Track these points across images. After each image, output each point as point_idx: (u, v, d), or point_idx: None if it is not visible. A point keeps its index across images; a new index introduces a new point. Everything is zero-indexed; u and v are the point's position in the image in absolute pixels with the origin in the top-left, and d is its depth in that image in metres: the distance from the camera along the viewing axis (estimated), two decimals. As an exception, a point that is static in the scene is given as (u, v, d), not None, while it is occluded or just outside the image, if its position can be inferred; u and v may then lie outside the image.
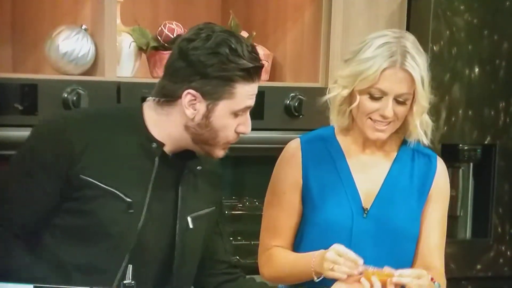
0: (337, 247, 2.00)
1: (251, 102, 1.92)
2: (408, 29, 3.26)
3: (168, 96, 1.91)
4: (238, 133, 1.94)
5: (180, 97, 1.89)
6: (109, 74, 2.82)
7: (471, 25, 3.23)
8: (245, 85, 1.90)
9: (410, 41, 2.09)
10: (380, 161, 2.18)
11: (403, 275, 1.98)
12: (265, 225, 2.20)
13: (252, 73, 1.90)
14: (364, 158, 2.17)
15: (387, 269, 2.00)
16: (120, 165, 1.90)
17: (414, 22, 3.25)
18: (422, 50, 2.11)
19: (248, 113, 1.93)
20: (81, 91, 2.72)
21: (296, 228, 2.18)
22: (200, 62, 1.86)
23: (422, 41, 3.19)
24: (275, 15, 3.30)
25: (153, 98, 1.94)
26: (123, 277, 1.78)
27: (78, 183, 1.87)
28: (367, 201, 2.15)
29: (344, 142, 2.17)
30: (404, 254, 2.17)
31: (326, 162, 2.15)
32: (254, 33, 3.07)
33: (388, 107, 2.06)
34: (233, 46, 1.87)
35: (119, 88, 2.80)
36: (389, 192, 2.16)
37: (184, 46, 1.89)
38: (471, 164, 3.35)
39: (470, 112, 3.25)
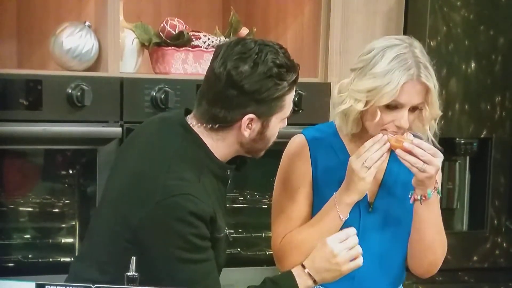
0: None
1: (292, 104, 2.00)
2: (405, 24, 3.28)
3: (224, 122, 1.93)
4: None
5: (235, 122, 1.93)
6: (112, 70, 2.84)
7: (468, 20, 3.24)
8: (291, 93, 1.96)
9: (419, 49, 2.08)
10: None
11: (421, 146, 2.01)
12: (277, 218, 2.19)
13: (296, 80, 1.95)
14: None
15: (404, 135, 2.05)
16: (219, 206, 1.96)
17: (411, 17, 3.26)
18: (426, 55, 2.10)
19: None
20: (85, 87, 2.74)
21: (310, 216, 2.17)
22: (255, 90, 1.89)
23: (420, 37, 3.25)
24: (275, 11, 3.32)
25: (202, 123, 1.95)
26: None
27: (212, 242, 1.94)
28: (370, 195, 2.16)
29: (346, 138, 2.18)
30: (405, 244, 2.19)
31: (331, 157, 2.16)
32: (255, 29, 3.09)
33: (404, 118, 2.05)
34: (278, 62, 1.90)
35: (122, 83, 2.82)
36: (390, 185, 2.18)
37: (235, 76, 1.89)
38: (468, 157, 3.36)
39: (466, 106, 3.27)
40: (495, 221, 3.36)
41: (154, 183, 1.90)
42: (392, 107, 2.06)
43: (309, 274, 2.00)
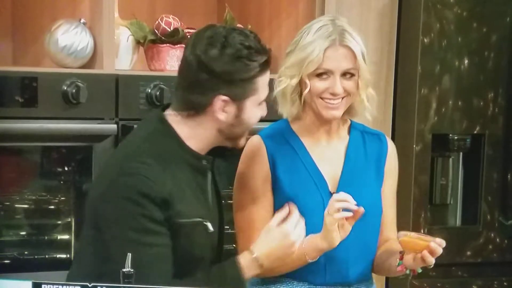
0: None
1: (267, 89, 2.02)
2: (399, 21, 3.30)
3: (198, 107, 1.96)
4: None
5: (209, 105, 1.95)
6: (107, 67, 2.85)
7: (461, 17, 3.26)
8: (263, 76, 1.98)
9: (345, 22, 2.17)
10: (336, 146, 2.24)
11: (442, 245, 2.07)
12: (240, 225, 2.20)
13: (267, 63, 1.98)
14: (322, 145, 2.23)
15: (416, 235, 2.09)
16: (189, 195, 1.97)
17: (405, 15, 3.28)
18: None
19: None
20: (80, 84, 2.75)
21: (272, 217, 2.18)
22: (224, 71, 1.92)
23: (413, 34, 3.28)
24: (269, 8, 3.33)
25: (179, 112, 1.97)
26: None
27: (175, 227, 1.94)
28: (332, 186, 2.20)
29: (300, 131, 2.22)
30: (373, 231, 2.23)
31: (289, 153, 2.20)
32: (249, 26, 3.10)
33: (337, 84, 2.12)
34: (246, 43, 1.94)
35: (118, 80, 2.83)
36: (350, 175, 2.22)
37: (204, 59, 1.92)
38: (461, 153, 3.38)
39: (459, 103, 3.28)
40: (488, 216, 3.38)
41: (114, 165, 1.95)
42: (323, 75, 2.13)
43: (257, 259, 2.02)
